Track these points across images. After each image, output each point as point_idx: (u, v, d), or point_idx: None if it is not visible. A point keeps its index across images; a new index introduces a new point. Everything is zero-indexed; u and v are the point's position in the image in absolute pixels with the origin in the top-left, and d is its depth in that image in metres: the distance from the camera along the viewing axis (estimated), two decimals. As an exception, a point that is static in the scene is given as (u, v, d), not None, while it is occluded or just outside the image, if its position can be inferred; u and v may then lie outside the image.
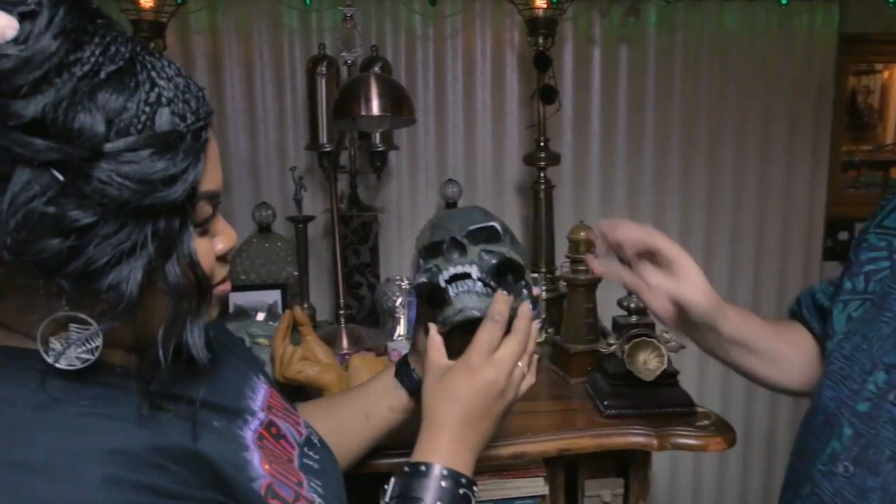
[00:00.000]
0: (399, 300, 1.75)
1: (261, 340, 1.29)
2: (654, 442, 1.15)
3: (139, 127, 0.46)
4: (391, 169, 1.95)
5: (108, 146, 0.44)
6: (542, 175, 1.81)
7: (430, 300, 0.77)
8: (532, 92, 1.91)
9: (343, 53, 1.70)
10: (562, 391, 1.39)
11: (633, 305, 1.30)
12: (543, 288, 1.73)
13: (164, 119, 0.47)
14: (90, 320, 0.47)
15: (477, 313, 0.73)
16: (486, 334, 0.70)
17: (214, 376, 0.65)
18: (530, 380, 0.75)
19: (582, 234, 1.42)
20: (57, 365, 0.47)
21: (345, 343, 1.62)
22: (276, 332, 1.18)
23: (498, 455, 1.14)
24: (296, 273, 1.79)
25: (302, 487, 0.62)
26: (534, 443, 1.17)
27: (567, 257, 1.44)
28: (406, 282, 1.73)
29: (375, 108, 1.13)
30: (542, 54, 1.70)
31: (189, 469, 0.49)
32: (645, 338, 1.22)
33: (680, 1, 1.96)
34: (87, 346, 0.48)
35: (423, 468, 0.66)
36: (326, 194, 1.95)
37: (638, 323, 1.28)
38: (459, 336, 0.77)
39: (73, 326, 0.47)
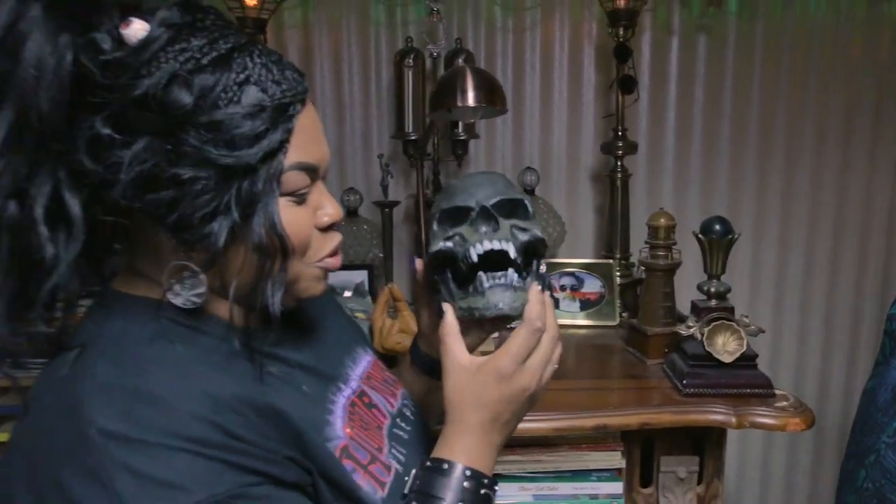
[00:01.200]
0: (477, 282, 1.83)
1: (359, 314, 1.40)
2: (733, 420, 1.20)
3: (225, 102, 0.53)
4: (470, 157, 2.03)
5: (203, 117, 0.52)
6: (618, 164, 1.86)
7: (447, 272, 0.70)
8: (609, 82, 1.95)
9: (429, 46, 1.79)
10: (638, 371, 1.45)
11: (712, 290, 1.34)
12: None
13: (250, 95, 0.54)
14: (196, 268, 0.57)
15: (513, 313, 0.67)
16: (522, 341, 0.64)
17: (316, 343, 0.71)
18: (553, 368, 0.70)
19: (661, 220, 1.47)
20: (174, 302, 0.57)
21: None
22: (377, 306, 1.28)
23: (582, 426, 1.22)
24: (381, 255, 1.90)
25: (381, 452, 0.66)
26: (615, 416, 1.24)
27: (646, 243, 1.49)
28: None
29: (471, 99, 1.21)
30: (623, 45, 1.75)
31: (267, 422, 0.56)
32: (724, 321, 1.27)
33: (762, -11, 1.96)
34: (196, 290, 0.57)
35: (445, 466, 0.64)
36: (408, 181, 2.06)
37: (717, 307, 1.32)
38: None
39: (185, 273, 0.57)
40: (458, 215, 0.69)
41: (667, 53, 2.04)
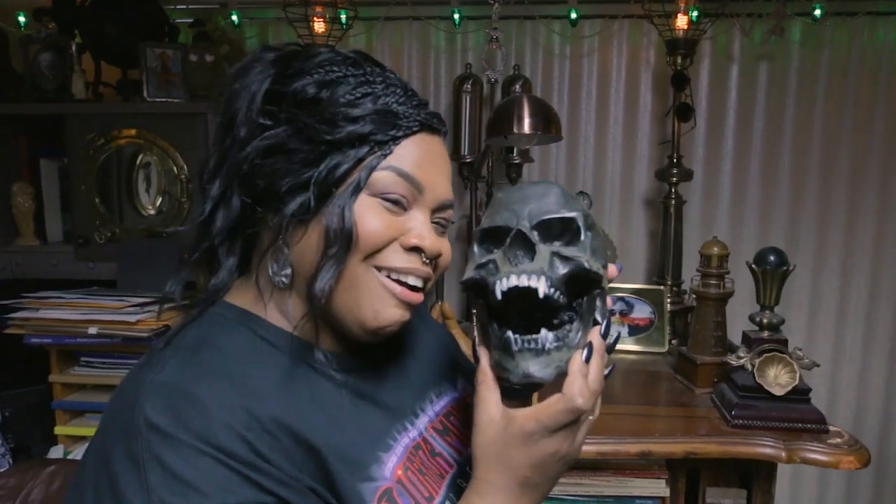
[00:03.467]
0: (527, 303, 1.86)
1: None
2: (783, 454, 1.18)
3: (344, 101, 0.60)
4: (524, 180, 2.07)
5: (317, 105, 0.60)
6: (672, 190, 1.86)
7: (484, 304, 0.60)
8: (666, 109, 1.96)
9: (487, 72, 1.84)
10: (686, 400, 1.44)
11: (765, 321, 1.33)
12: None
13: (366, 101, 0.60)
14: (281, 243, 0.60)
15: (547, 380, 0.58)
16: (555, 414, 0.57)
17: (395, 374, 0.69)
18: (592, 424, 0.62)
19: (715, 249, 1.46)
20: (273, 281, 0.61)
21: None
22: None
23: (626, 451, 1.22)
24: (432, 273, 1.95)
25: (431, 502, 0.63)
26: (661, 443, 1.24)
27: (698, 271, 1.49)
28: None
29: (527, 126, 1.25)
30: (681, 74, 1.76)
31: (300, 449, 0.56)
32: (777, 353, 1.26)
33: (829, 17, 1.93)
34: (285, 269, 0.61)
35: None
36: (461, 202, 2.11)
37: (769, 338, 1.31)
38: None
39: (278, 253, 0.61)
40: (496, 236, 0.59)
41: (726, 81, 2.03)
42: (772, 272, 1.32)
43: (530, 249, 0.56)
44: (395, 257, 0.60)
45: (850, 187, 2.03)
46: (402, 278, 0.60)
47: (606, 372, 0.62)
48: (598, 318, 0.61)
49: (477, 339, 0.62)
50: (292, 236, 0.60)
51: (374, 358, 0.68)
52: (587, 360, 0.58)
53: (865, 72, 1.98)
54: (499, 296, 0.56)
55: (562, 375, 0.57)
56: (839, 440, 1.21)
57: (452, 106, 1.95)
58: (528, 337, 0.57)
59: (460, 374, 0.80)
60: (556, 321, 0.59)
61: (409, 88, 0.64)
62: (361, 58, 0.64)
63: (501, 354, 0.58)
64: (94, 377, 1.66)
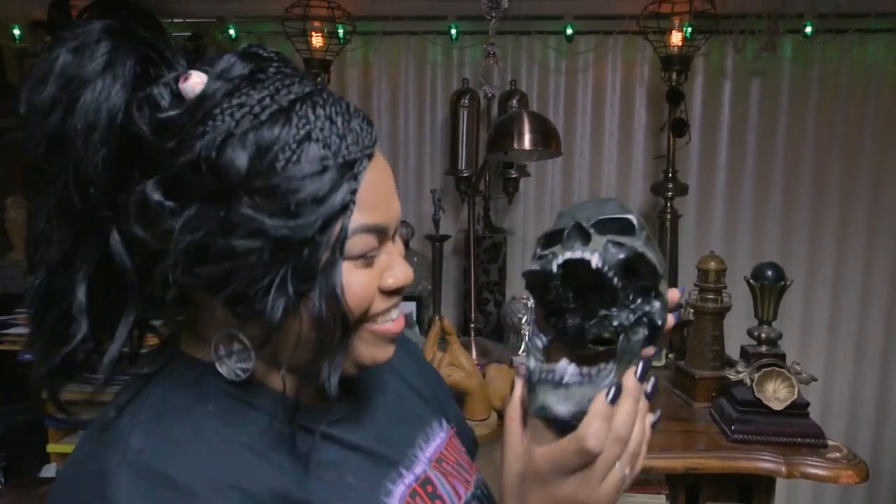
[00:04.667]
0: (525, 317, 1.86)
1: (410, 345, 1.44)
2: (783, 469, 1.19)
3: (283, 163, 0.47)
4: (520, 194, 2.08)
5: (258, 182, 0.46)
6: (668, 204, 1.87)
7: (541, 296, 0.59)
8: (661, 124, 1.98)
9: (484, 87, 1.85)
10: (685, 414, 1.44)
11: (763, 335, 1.34)
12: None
13: (311, 153, 0.48)
14: (245, 340, 0.52)
15: (561, 417, 0.54)
16: (565, 454, 0.52)
17: (380, 418, 0.64)
18: (629, 478, 0.55)
19: (712, 263, 1.48)
20: (220, 371, 0.52)
21: (474, 354, 1.75)
22: (428, 339, 1.33)
23: (627, 467, 1.22)
24: (429, 287, 1.95)
25: None
26: (660, 459, 1.24)
27: (696, 285, 1.50)
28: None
29: (527, 142, 1.26)
30: (676, 90, 1.78)
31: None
32: (775, 367, 1.27)
33: (819, 34, 1.96)
34: (243, 364, 0.52)
35: None
36: (458, 215, 2.11)
37: (768, 353, 1.32)
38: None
39: (234, 344, 0.52)
40: (555, 237, 0.59)
41: (719, 97, 2.06)
42: (770, 287, 1.33)
43: (586, 238, 0.56)
44: (379, 304, 0.55)
45: (840, 202, 2.06)
46: (387, 316, 0.57)
47: (653, 420, 0.56)
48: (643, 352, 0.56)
49: (517, 368, 0.59)
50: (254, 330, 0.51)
51: (358, 405, 0.64)
52: (613, 400, 0.52)
53: (855, 87, 2.02)
54: (554, 268, 0.54)
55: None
56: (838, 454, 1.22)
57: (450, 120, 1.96)
58: (548, 367, 0.55)
59: (441, 402, 0.77)
60: (608, 327, 0.55)
61: (336, 98, 0.52)
62: (263, 62, 0.50)
63: (526, 384, 0.56)
64: (87, 394, 1.64)
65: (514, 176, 1.92)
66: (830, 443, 1.25)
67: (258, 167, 0.46)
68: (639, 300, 0.57)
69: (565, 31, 1.99)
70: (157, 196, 0.47)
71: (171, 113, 0.47)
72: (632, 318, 0.56)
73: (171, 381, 0.53)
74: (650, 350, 0.58)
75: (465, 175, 1.89)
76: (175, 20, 2.06)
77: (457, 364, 1.32)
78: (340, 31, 1.91)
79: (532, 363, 0.56)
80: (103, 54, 0.46)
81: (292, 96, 0.48)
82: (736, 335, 1.54)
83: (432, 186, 2.04)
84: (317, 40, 1.86)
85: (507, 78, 1.98)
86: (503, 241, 1.98)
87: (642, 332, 0.57)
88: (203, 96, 0.46)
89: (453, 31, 2.01)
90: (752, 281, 1.35)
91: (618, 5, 1.99)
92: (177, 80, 0.48)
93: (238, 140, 0.46)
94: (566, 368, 0.55)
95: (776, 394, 1.27)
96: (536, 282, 0.58)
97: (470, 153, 1.89)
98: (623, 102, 2.08)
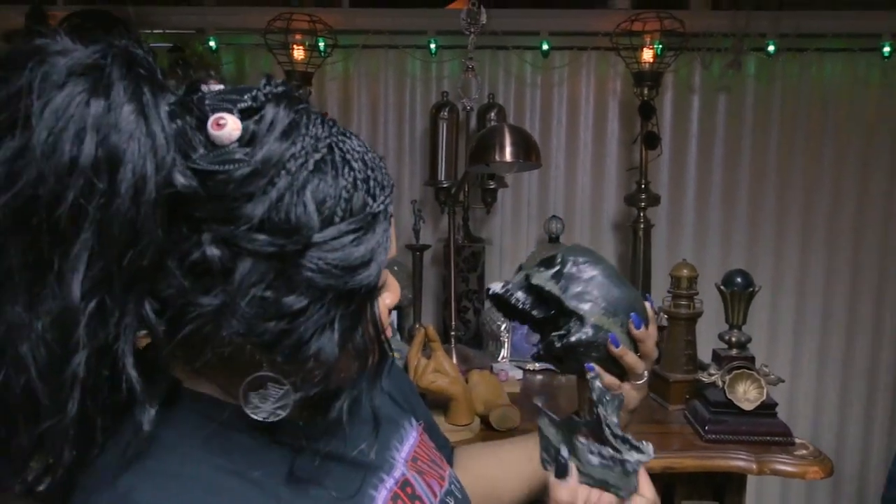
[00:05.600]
0: (503, 325, 1.91)
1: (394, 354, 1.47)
2: (754, 466, 1.25)
3: (340, 214, 0.46)
4: (497, 204, 2.13)
5: (317, 237, 0.45)
6: (641, 215, 1.94)
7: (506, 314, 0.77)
8: (633, 137, 2.05)
9: (463, 100, 1.90)
10: (660, 416, 1.50)
11: (734, 339, 1.40)
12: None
13: (358, 202, 0.47)
14: (285, 381, 0.49)
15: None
16: None
17: (357, 425, 0.63)
18: None
19: (684, 271, 1.54)
20: (254, 415, 0.50)
21: (454, 361, 1.78)
22: (412, 346, 1.36)
23: (607, 467, 1.27)
24: (410, 296, 1.98)
25: None
26: (639, 459, 1.29)
27: (669, 292, 1.56)
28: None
29: (508, 154, 1.31)
30: (647, 104, 1.85)
31: None
32: (745, 370, 1.33)
33: (781, 53, 2.06)
34: (281, 402, 0.50)
35: None
36: (438, 225, 2.15)
37: (738, 356, 1.38)
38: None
39: (271, 385, 0.50)
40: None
41: (688, 111, 2.14)
42: (739, 293, 1.40)
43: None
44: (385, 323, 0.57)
45: (803, 211, 2.16)
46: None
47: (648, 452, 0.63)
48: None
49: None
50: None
51: (332, 417, 0.63)
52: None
53: (814, 103, 2.12)
54: (487, 295, 0.78)
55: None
56: (804, 451, 1.28)
57: (429, 132, 2.00)
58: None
59: (412, 403, 0.78)
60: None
61: (356, 137, 0.51)
62: (295, 108, 0.46)
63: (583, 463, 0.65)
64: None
65: (492, 187, 1.97)
66: (797, 441, 1.31)
67: (320, 222, 0.45)
68: (571, 324, 0.74)
69: (541, 46, 2.06)
70: (215, 251, 0.43)
71: (232, 168, 0.43)
72: (591, 336, 0.72)
73: (180, 421, 0.50)
74: (616, 381, 0.74)
75: (445, 186, 1.94)
76: (155, 31, 2.07)
77: (441, 371, 1.35)
78: (321, 45, 1.94)
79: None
80: (130, 94, 0.41)
81: (327, 140, 0.47)
82: (708, 339, 1.60)
83: (412, 197, 2.07)
84: (298, 53, 1.89)
85: (485, 91, 2.04)
86: (482, 251, 2.02)
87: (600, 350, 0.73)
88: (264, 156, 0.43)
89: (433, 46, 2.06)
90: (722, 287, 1.42)
91: (592, 22, 2.06)
92: (203, 122, 0.44)
93: (298, 195, 0.44)
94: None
95: (746, 395, 1.33)
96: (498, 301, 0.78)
97: (449, 164, 1.94)
98: (597, 116, 2.15)
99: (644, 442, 0.63)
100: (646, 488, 0.63)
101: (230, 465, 0.50)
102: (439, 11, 2.18)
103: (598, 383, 0.65)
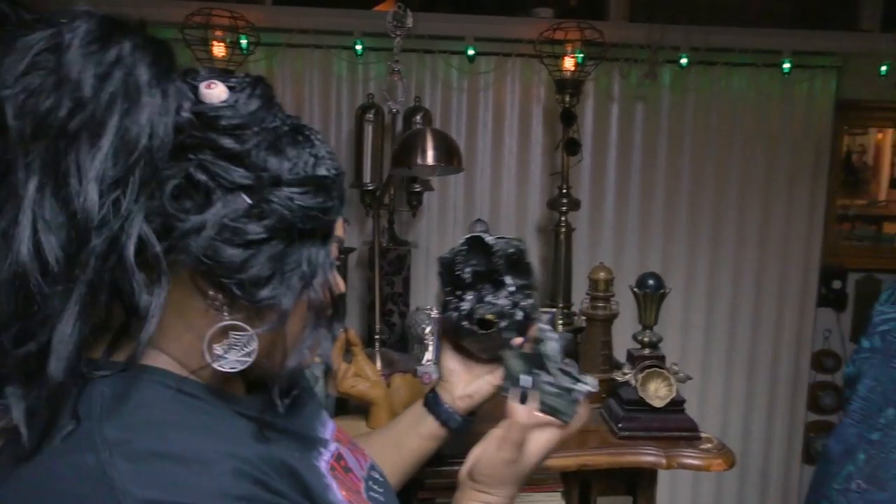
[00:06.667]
0: (428, 328, 1.91)
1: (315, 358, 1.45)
2: (663, 461, 1.30)
3: (306, 171, 0.56)
4: (423, 207, 2.13)
5: (287, 178, 0.55)
6: (562, 219, 1.99)
7: (448, 278, 0.86)
8: (556, 143, 2.11)
9: (389, 103, 1.90)
10: (578, 415, 1.54)
11: (646, 339, 1.46)
12: (554, 315, 1.89)
13: (321, 170, 0.58)
14: (247, 327, 0.55)
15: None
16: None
17: (295, 406, 0.68)
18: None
19: (601, 274, 1.59)
20: (219, 366, 0.54)
21: (378, 365, 1.77)
22: (333, 350, 1.34)
23: (525, 467, 1.29)
24: (335, 298, 1.96)
25: None
26: (555, 458, 1.31)
27: (587, 294, 1.61)
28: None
29: (430, 158, 1.32)
30: (569, 111, 1.90)
31: (286, 481, 0.54)
32: (657, 368, 1.39)
33: (693, 66, 2.17)
34: (246, 349, 0.55)
35: None
36: (363, 228, 2.14)
37: (650, 355, 1.44)
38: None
39: (232, 334, 0.55)
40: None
41: (607, 119, 2.22)
42: (651, 295, 1.46)
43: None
44: None
45: (714, 217, 2.28)
46: None
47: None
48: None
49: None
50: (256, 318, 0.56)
51: (270, 395, 0.67)
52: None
53: (724, 114, 2.24)
54: (461, 242, 0.87)
55: None
56: (709, 445, 1.35)
57: (354, 134, 1.98)
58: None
59: (318, 399, 0.85)
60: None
61: (317, 132, 0.62)
62: (270, 94, 0.59)
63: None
64: None
65: (418, 190, 1.97)
66: (703, 435, 1.38)
67: (289, 171, 0.55)
68: (518, 294, 0.80)
69: (466, 51, 2.08)
70: (202, 177, 0.52)
71: (229, 114, 0.53)
72: (509, 306, 0.79)
73: (140, 388, 0.52)
74: (518, 340, 0.81)
75: (370, 188, 1.92)
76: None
77: (362, 375, 1.34)
78: (243, 42, 1.90)
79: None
80: (149, 61, 0.50)
81: (292, 122, 0.59)
82: (623, 340, 1.66)
83: (337, 199, 2.05)
84: (219, 49, 1.83)
85: (411, 94, 2.04)
86: (407, 254, 2.02)
87: (517, 317, 0.80)
88: (249, 111, 0.54)
89: (358, 47, 2.05)
90: (635, 289, 1.48)
91: (515, 30, 2.10)
92: (195, 85, 0.54)
93: (272, 148, 0.54)
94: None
95: (657, 392, 1.39)
96: (446, 265, 0.82)
97: (375, 167, 1.93)
98: (521, 121, 2.19)
99: (588, 376, 0.74)
100: (584, 413, 0.77)
101: (199, 426, 0.53)
102: (365, 13, 2.17)
103: (541, 324, 0.79)
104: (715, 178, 2.26)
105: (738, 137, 2.25)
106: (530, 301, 0.81)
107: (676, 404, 1.39)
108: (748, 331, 2.32)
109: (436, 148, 1.33)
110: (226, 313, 0.55)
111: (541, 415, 0.74)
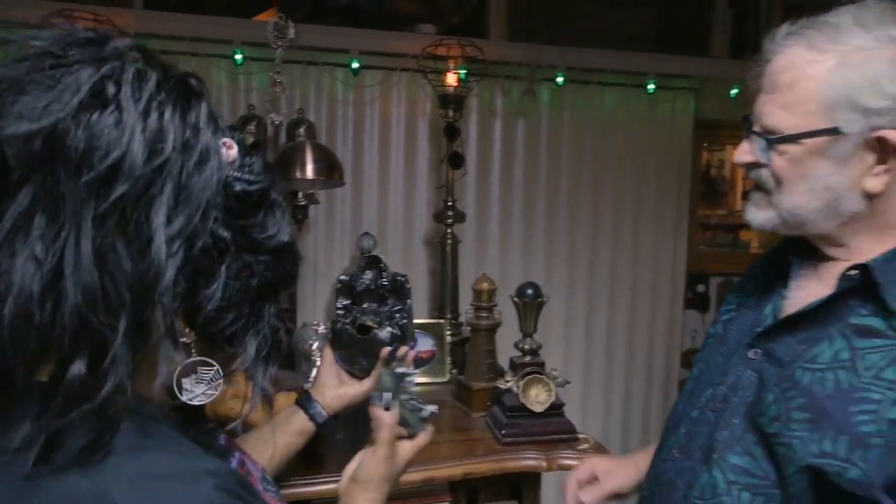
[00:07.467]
0: (315, 344, 1.87)
1: (191, 380, 1.38)
2: (544, 464, 1.35)
3: (283, 236, 0.61)
4: (309, 221, 2.10)
5: (272, 244, 0.60)
6: (448, 231, 2.03)
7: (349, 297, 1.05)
8: (441, 157, 2.14)
9: (271, 115, 1.85)
10: (464, 424, 1.57)
11: (526, 347, 1.51)
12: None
13: (286, 235, 0.63)
14: (213, 362, 0.59)
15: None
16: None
17: (199, 421, 0.71)
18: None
19: (484, 284, 1.63)
20: (186, 400, 0.58)
21: (264, 384, 1.72)
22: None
23: (410, 480, 1.29)
24: (216, 317, 1.87)
25: None
26: (441, 468, 1.33)
27: (472, 305, 1.64)
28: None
29: (310, 172, 1.30)
30: (452, 125, 1.94)
31: (246, 490, 0.58)
32: (536, 374, 1.44)
33: (569, 84, 2.29)
34: (212, 383, 0.59)
35: None
36: (247, 242, 2.06)
37: (531, 362, 1.49)
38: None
39: (200, 369, 0.59)
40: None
41: (491, 133, 2.29)
42: (530, 304, 1.51)
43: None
44: None
45: (591, 228, 2.41)
46: None
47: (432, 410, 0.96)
48: None
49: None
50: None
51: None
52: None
53: (598, 131, 2.38)
54: (361, 263, 1.17)
55: None
56: (586, 446, 1.41)
57: (235, 146, 1.91)
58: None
59: None
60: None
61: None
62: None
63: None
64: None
65: (303, 203, 1.94)
66: (581, 436, 1.45)
67: (276, 235, 0.60)
68: (396, 310, 1.04)
69: (351, 64, 2.07)
70: (225, 234, 0.55)
71: (249, 178, 0.58)
72: (387, 319, 1.01)
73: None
74: (387, 349, 1.01)
75: (253, 202, 1.86)
76: None
77: (240, 396, 1.29)
78: (110, 47, 1.78)
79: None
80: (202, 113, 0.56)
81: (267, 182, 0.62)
82: (509, 349, 1.71)
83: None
84: (81, 55, 1.71)
85: (294, 106, 2.00)
86: (293, 268, 1.98)
87: (390, 330, 1.04)
88: (260, 168, 0.60)
89: (238, 57, 1.99)
90: (515, 299, 1.53)
91: (399, 45, 2.12)
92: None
93: (272, 209, 0.60)
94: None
95: (538, 398, 1.44)
96: (346, 284, 1.07)
97: (257, 180, 1.87)
98: (407, 135, 2.21)
99: (430, 405, 0.94)
100: (430, 430, 0.96)
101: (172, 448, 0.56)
102: (245, 22, 2.11)
103: (394, 363, 0.97)
104: (591, 190, 2.40)
105: (611, 153, 2.40)
106: (405, 321, 1.02)
107: (556, 408, 1.45)
108: (625, 335, 2.46)
109: (315, 161, 1.32)
110: (194, 352, 0.58)
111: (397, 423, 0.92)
